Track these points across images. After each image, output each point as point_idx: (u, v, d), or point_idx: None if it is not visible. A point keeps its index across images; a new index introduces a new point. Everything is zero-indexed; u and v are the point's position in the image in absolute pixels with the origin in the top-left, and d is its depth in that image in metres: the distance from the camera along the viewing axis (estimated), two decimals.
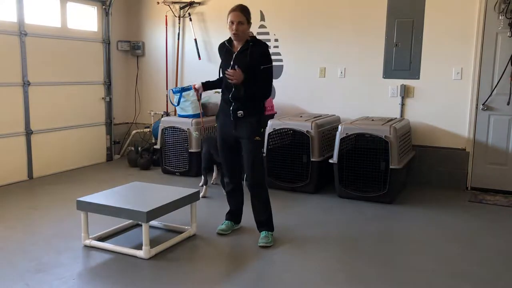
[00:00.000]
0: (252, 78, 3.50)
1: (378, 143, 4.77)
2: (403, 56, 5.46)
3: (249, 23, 3.51)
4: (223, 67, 3.65)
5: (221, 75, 3.71)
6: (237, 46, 3.58)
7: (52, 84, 5.78)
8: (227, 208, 3.94)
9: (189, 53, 6.64)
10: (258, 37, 4.02)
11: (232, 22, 3.47)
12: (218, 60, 6.33)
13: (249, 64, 3.48)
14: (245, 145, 3.59)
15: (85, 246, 3.52)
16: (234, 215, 3.90)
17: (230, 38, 3.61)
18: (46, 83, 5.70)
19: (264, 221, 3.68)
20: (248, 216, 3.93)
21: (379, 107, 5.61)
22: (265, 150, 5.01)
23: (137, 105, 7.07)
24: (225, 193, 4.19)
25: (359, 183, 4.86)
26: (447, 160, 5.37)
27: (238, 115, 3.55)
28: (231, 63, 3.55)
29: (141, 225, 3.57)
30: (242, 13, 3.46)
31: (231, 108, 3.58)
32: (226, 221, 3.88)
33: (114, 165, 6.44)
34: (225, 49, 3.66)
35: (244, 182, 3.73)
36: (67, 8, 5.96)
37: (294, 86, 6.05)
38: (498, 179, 5.21)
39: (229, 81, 3.51)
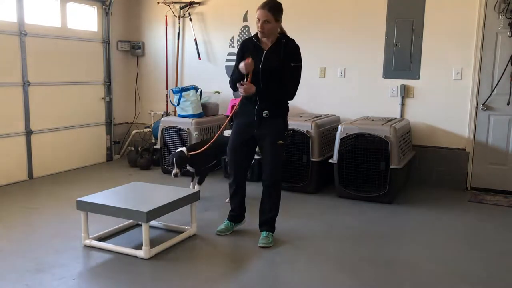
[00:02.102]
0: (280, 77, 3.45)
1: (378, 143, 4.77)
2: (403, 56, 5.46)
3: (277, 21, 3.41)
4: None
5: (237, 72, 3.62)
6: (267, 42, 3.49)
7: (52, 84, 5.78)
8: (228, 208, 3.93)
9: (189, 53, 6.64)
10: None
11: (258, 20, 3.39)
12: (218, 60, 6.44)
13: (282, 61, 3.43)
14: (267, 146, 3.53)
15: (85, 246, 3.52)
16: (235, 215, 3.88)
17: (256, 34, 3.54)
18: (46, 83, 5.70)
19: (268, 221, 3.66)
20: (248, 216, 3.93)
21: (379, 107, 5.60)
22: None
23: (137, 105, 7.07)
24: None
25: (359, 183, 4.86)
26: (447, 160, 5.37)
27: (263, 115, 3.49)
28: (262, 60, 3.46)
29: (141, 225, 3.57)
30: (269, 12, 3.36)
31: (256, 108, 3.50)
32: (226, 222, 3.87)
33: (114, 165, 6.44)
34: (252, 45, 3.54)
35: (262, 182, 3.67)
36: (67, 8, 5.95)
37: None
38: (498, 179, 5.21)
39: (240, 93, 3.48)
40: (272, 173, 3.57)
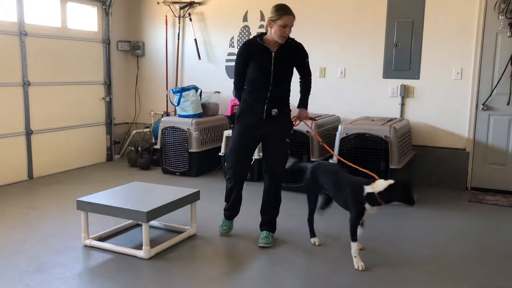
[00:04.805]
0: (288, 77, 3.64)
1: (378, 143, 4.77)
2: (403, 56, 5.46)
3: None
4: (261, 65, 3.51)
5: (239, 75, 3.63)
6: (274, 45, 3.52)
7: (52, 84, 5.78)
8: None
9: (189, 53, 6.64)
10: None
11: (285, 26, 3.44)
12: (218, 60, 6.43)
13: (294, 61, 3.60)
14: (276, 143, 3.60)
15: (85, 246, 3.52)
16: (232, 214, 3.87)
17: (259, 36, 3.57)
18: (46, 83, 5.70)
19: (269, 220, 3.68)
20: (248, 217, 3.93)
21: (379, 107, 5.61)
22: None
23: (137, 105, 7.07)
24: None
25: None
26: (447, 160, 5.37)
27: (273, 113, 3.55)
28: (272, 61, 3.50)
29: (141, 225, 3.57)
30: (294, 17, 3.52)
31: (265, 107, 3.54)
32: (227, 221, 3.87)
33: (114, 165, 6.44)
34: (259, 48, 3.52)
35: (269, 178, 3.69)
36: (67, 8, 5.96)
37: (294, 86, 6.03)
38: (498, 179, 5.21)
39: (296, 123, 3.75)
40: (279, 170, 3.64)
